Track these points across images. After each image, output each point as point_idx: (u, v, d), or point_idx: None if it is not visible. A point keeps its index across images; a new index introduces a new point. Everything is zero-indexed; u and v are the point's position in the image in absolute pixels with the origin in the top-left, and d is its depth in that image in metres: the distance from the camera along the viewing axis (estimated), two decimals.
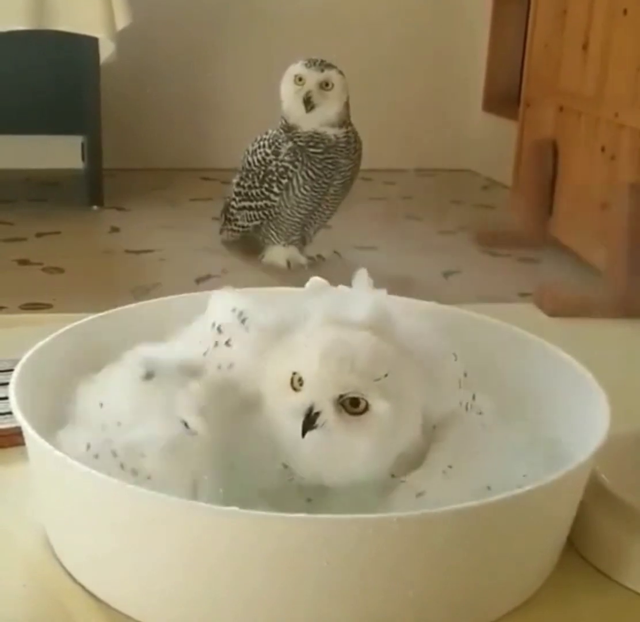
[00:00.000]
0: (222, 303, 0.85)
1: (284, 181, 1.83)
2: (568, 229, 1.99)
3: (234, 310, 0.82)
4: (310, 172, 1.81)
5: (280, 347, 0.77)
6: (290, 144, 1.82)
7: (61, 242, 2.09)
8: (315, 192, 1.83)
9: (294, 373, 0.75)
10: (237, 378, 0.79)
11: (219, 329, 0.82)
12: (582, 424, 0.84)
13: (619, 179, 1.74)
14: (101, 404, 0.80)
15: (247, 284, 0.97)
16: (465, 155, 3.11)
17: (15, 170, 2.72)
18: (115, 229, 2.24)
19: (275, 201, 1.86)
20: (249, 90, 2.86)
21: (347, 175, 1.84)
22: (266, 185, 1.86)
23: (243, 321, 0.81)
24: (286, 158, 1.82)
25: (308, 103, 1.78)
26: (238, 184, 1.95)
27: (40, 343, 0.91)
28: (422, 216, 2.49)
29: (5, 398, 0.82)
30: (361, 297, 0.80)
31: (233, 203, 1.97)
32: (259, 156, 1.87)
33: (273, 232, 1.91)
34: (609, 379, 0.89)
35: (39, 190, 2.61)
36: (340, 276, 0.86)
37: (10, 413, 0.81)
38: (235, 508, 0.66)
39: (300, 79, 1.80)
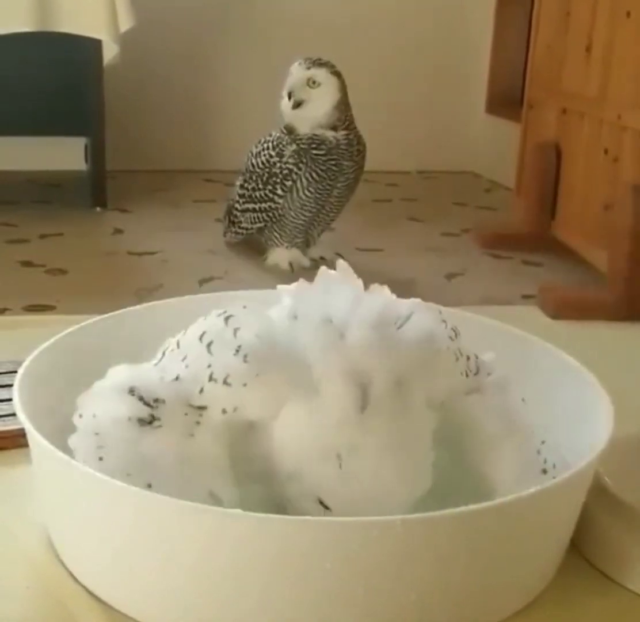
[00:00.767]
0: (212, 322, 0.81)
1: (288, 183, 1.83)
2: (571, 231, 1.99)
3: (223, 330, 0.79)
4: (314, 174, 1.81)
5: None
6: (293, 146, 1.81)
7: (64, 244, 2.09)
8: (319, 194, 1.83)
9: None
10: (245, 419, 0.76)
11: (209, 350, 0.78)
12: (585, 426, 0.84)
13: (622, 181, 1.74)
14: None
15: (249, 286, 0.98)
16: (468, 157, 3.11)
17: (19, 172, 2.72)
18: (118, 231, 2.24)
19: (279, 203, 1.85)
20: (252, 92, 2.86)
21: (350, 177, 1.84)
22: (270, 187, 1.86)
23: (237, 351, 0.76)
24: (290, 160, 1.81)
25: (290, 97, 1.79)
26: (241, 186, 1.95)
27: (44, 345, 0.91)
28: (425, 218, 2.49)
29: (9, 399, 0.82)
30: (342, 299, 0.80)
31: (236, 205, 1.97)
32: (263, 158, 1.87)
33: (276, 234, 1.90)
34: (612, 381, 0.89)
35: (42, 192, 2.61)
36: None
37: (13, 415, 0.81)
38: (238, 510, 0.67)
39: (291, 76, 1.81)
